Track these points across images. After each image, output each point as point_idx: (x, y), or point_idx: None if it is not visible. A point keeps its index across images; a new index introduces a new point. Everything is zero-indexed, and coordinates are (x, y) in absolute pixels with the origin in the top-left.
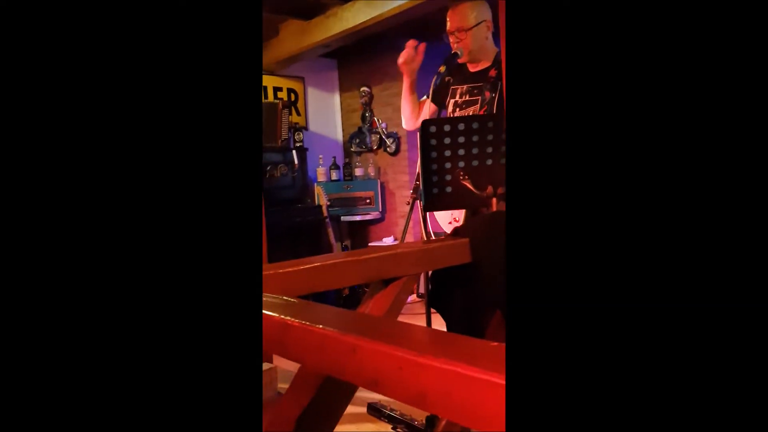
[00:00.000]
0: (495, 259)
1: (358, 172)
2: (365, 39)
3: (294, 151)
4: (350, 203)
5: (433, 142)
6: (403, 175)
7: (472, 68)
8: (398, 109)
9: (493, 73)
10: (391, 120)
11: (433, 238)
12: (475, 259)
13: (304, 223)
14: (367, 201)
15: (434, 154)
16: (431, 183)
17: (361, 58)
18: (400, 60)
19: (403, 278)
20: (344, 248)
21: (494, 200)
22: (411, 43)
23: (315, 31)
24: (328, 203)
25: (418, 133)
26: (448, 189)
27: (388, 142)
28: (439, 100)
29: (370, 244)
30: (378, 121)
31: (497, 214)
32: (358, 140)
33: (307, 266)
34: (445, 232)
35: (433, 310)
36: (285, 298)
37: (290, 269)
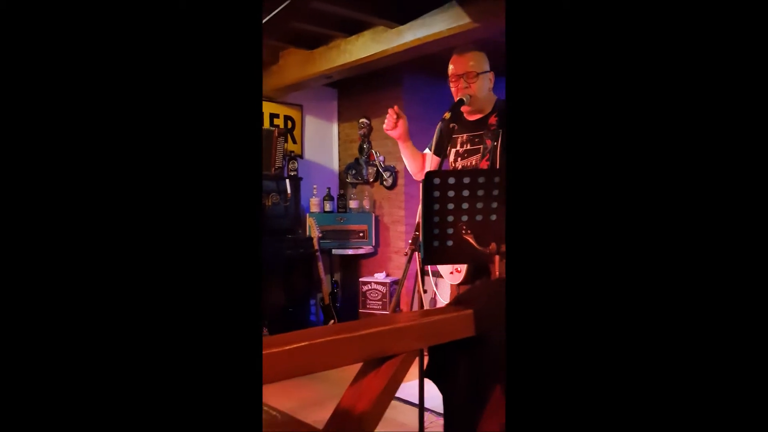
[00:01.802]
0: (501, 331)
1: (352, 204)
2: (368, 72)
3: (287, 180)
4: (343, 236)
5: (436, 194)
6: (398, 210)
7: (470, 117)
8: (397, 143)
9: (493, 120)
10: (390, 153)
11: (425, 291)
12: (480, 332)
13: (293, 256)
14: (361, 234)
15: (437, 207)
16: (432, 236)
17: (362, 89)
18: (385, 128)
19: (401, 356)
20: (334, 283)
21: (497, 258)
22: (392, 112)
23: (317, 61)
24: (320, 235)
25: (421, 185)
26: (449, 243)
27: (385, 175)
28: (442, 150)
29: (361, 279)
30: (376, 153)
31: (502, 282)
32: (354, 171)
33: (293, 346)
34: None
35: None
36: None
37: (272, 350)
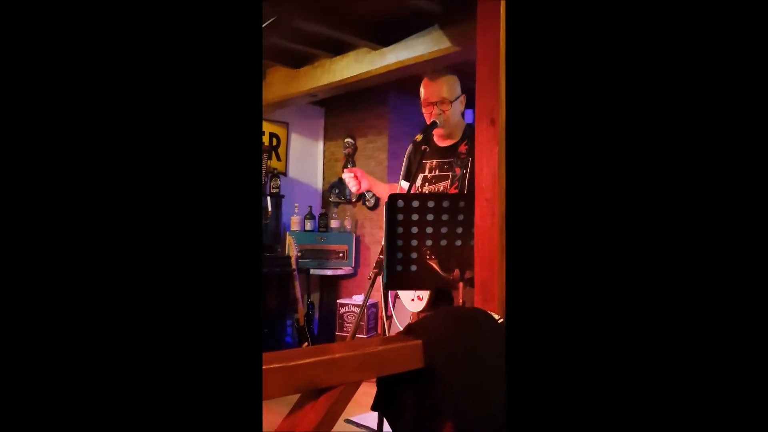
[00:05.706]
0: (452, 365)
1: (334, 223)
2: (354, 91)
3: (269, 197)
4: (322, 256)
5: (400, 217)
6: (380, 231)
7: (440, 143)
8: (381, 163)
9: (462, 148)
10: (373, 173)
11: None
12: (429, 364)
13: (270, 274)
14: (341, 255)
15: (400, 230)
16: (395, 260)
17: (348, 108)
18: (356, 191)
19: (340, 387)
20: (309, 305)
21: (461, 284)
22: (350, 178)
23: (302, 80)
24: (299, 254)
25: (384, 208)
26: (413, 267)
27: (368, 195)
28: (411, 175)
29: (338, 301)
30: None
31: (456, 312)
32: (337, 191)
33: None
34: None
35: None
36: None
37: None
